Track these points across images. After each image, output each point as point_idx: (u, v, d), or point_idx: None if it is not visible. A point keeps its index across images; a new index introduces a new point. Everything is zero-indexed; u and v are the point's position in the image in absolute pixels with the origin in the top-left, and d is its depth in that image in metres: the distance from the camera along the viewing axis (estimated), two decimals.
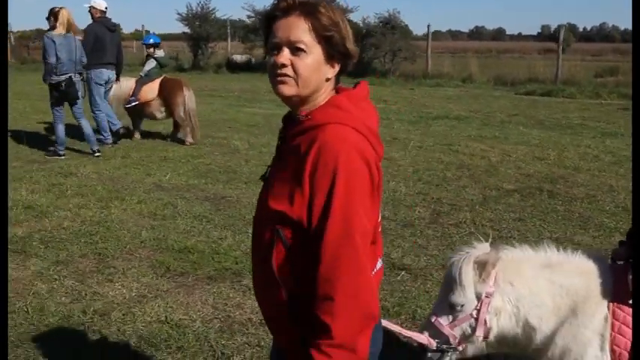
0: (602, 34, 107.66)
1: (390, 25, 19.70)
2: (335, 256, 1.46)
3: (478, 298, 2.20)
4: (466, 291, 2.19)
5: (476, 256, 2.21)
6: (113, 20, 9.03)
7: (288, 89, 1.55)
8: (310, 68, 1.54)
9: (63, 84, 7.75)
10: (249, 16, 22.91)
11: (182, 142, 9.05)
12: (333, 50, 1.57)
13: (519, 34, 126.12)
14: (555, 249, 2.33)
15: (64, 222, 5.32)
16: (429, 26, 19.78)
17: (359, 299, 1.47)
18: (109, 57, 8.74)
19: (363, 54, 19.92)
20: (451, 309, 2.23)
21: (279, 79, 1.55)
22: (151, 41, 9.74)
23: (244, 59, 22.81)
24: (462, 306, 2.20)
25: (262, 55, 21.42)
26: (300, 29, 1.53)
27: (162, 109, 9.27)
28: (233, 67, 22.33)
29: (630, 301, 2.20)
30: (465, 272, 2.19)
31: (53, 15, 7.77)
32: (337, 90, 1.66)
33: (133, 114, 9.45)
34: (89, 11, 8.82)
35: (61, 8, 7.80)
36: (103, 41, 8.63)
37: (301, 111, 1.59)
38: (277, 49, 1.55)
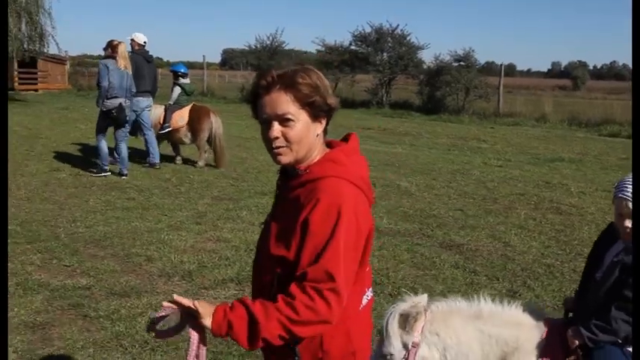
0: (612, 73, 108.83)
1: (465, 64, 19.96)
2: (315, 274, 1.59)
3: (406, 348, 2.30)
4: (392, 341, 2.30)
5: (402, 309, 2.32)
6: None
7: (286, 158, 1.70)
8: (301, 133, 1.67)
9: (114, 111, 8.28)
10: (318, 50, 23.27)
11: (194, 163, 9.67)
12: (317, 111, 1.70)
13: (529, 70, 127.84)
14: (491, 301, 2.42)
15: None
16: (502, 65, 20.03)
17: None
18: (146, 85, 9.29)
19: (436, 92, 20.21)
20: (383, 359, 2.33)
21: (275, 151, 1.69)
22: (182, 70, 10.17)
23: None
24: (392, 355, 2.30)
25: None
26: (284, 103, 1.65)
27: (189, 134, 9.73)
28: None
29: (566, 359, 2.28)
30: (391, 324, 2.31)
31: (112, 47, 8.41)
32: (328, 143, 1.80)
33: (160, 139, 9.85)
34: (130, 43, 9.48)
35: (120, 42, 8.48)
36: (142, 71, 9.17)
37: (299, 166, 1.73)
38: (267, 123, 1.68)
